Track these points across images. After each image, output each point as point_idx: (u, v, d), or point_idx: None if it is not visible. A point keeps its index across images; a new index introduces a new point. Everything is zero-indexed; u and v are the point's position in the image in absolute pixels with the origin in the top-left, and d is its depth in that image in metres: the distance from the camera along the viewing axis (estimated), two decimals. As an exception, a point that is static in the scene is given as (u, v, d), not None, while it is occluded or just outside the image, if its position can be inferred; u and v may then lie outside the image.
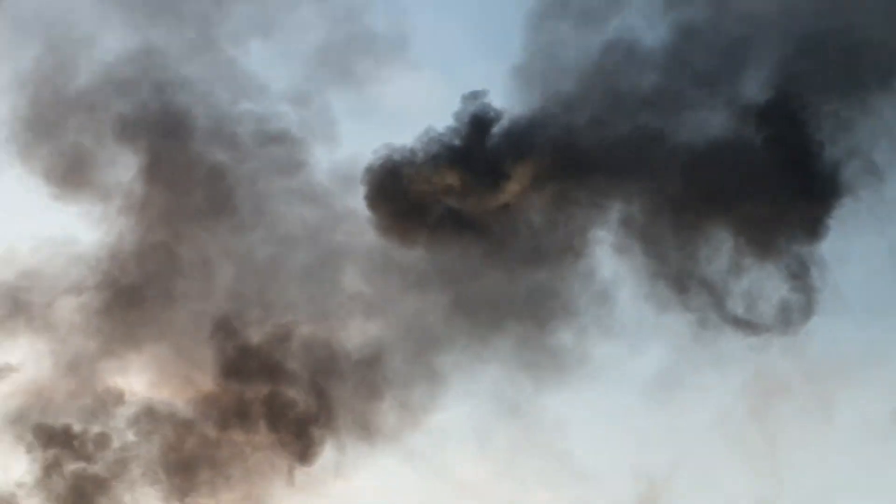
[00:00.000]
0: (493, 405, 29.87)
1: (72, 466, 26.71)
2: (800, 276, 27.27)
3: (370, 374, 28.31)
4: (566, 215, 29.12)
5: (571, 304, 29.29)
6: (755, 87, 28.42)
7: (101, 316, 27.11)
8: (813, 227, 27.36)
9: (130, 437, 26.94)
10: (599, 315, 29.23)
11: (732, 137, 27.98)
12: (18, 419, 26.67)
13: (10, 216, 31.00)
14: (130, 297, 27.14)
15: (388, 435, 28.62)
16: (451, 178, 28.59)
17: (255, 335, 27.16)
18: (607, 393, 31.89)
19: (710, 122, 28.31)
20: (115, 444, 26.75)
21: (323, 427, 27.80)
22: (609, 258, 29.20)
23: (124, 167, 27.91)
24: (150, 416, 26.95)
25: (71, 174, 27.71)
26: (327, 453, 27.98)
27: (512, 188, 28.63)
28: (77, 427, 26.69)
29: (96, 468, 26.70)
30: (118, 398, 26.98)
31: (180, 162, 27.82)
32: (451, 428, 29.89)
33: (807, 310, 27.48)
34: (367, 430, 28.25)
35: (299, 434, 27.70)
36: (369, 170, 28.88)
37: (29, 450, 26.84)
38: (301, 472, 27.97)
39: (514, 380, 29.29)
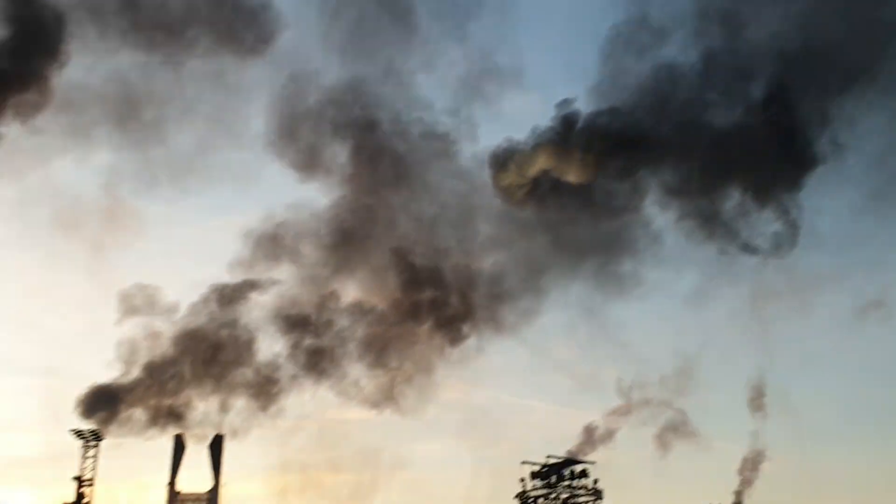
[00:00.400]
0: (577, 310, 41.60)
1: (308, 342, 39.47)
2: (787, 217, 37.75)
3: (497, 288, 40.33)
4: (629, 181, 40.39)
5: (632, 243, 40.67)
6: (758, 89, 38.91)
7: (328, 250, 40.00)
8: (796, 184, 37.73)
9: (345, 323, 39.90)
10: (652, 250, 40.48)
11: (742, 124, 38.40)
12: (278, 313, 40.23)
13: (271, 192, 44.58)
14: (346, 238, 39.79)
15: (509, 328, 40.67)
16: (550, 159, 40.31)
17: (423, 261, 39.81)
18: (656, 303, 43.54)
19: (727, 115, 38.84)
20: (336, 327, 39.61)
21: (467, 322, 39.98)
22: (658, 211, 40.62)
23: (340, 155, 40.48)
24: (358, 311, 39.88)
25: (307, 163, 40.81)
26: (470, 340, 40.21)
27: (591, 164, 40.11)
28: (313, 317, 39.97)
29: (324, 343, 39.63)
30: (337, 299, 40.02)
31: (374, 151, 40.50)
32: (550, 324, 41.91)
33: (792, 240, 37.88)
34: (495, 325, 40.40)
35: (451, 326, 39.89)
36: (494, 155, 41.05)
37: (283, 333, 40.01)
38: (452, 352, 40.37)
39: (591, 294, 40.89)
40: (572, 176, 40.05)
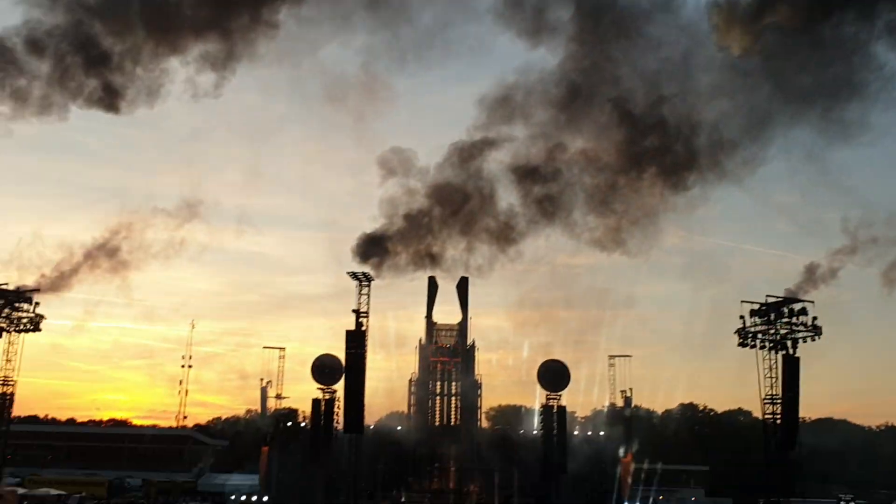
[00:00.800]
0: (800, 156, 41.80)
1: (540, 191, 43.22)
2: None
3: (719, 136, 41.32)
4: (858, 22, 39.05)
5: (861, 86, 39.42)
6: None
7: (556, 107, 42.93)
8: None
9: (574, 173, 43.10)
10: (882, 93, 39.30)
11: None
12: (513, 167, 44.29)
13: (502, 60, 47.62)
14: (573, 94, 42.34)
15: (731, 175, 41.85)
16: (774, 5, 39.83)
17: (646, 112, 41.57)
18: (885, 147, 42.26)
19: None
20: (565, 177, 42.99)
21: (690, 170, 41.54)
22: (891, 51, 39.01)
23: (564, 16, 42.76)
24: (584, 161, 43.07)
25: (533, 28, 43.27)
26: (693, 187, 41.72)
27: (818, 6, 39.12)
28: (543, 168, 43.62)
29: (554, 191, 43.23)
30: (566, 151, 43.31)
31: (595, 10, 42.39)
32: (772, 171, 42.58)
33: None
34: (718, 172, 41.65)
35: (674, 174, 41.70)
36: (716, 6, 41.27)
37: (518, 184, 44.07)
38: (675, 199, 42.43)
39: (815, 140, 40.72)
40: (798, 21, 39.50)
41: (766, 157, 41.04)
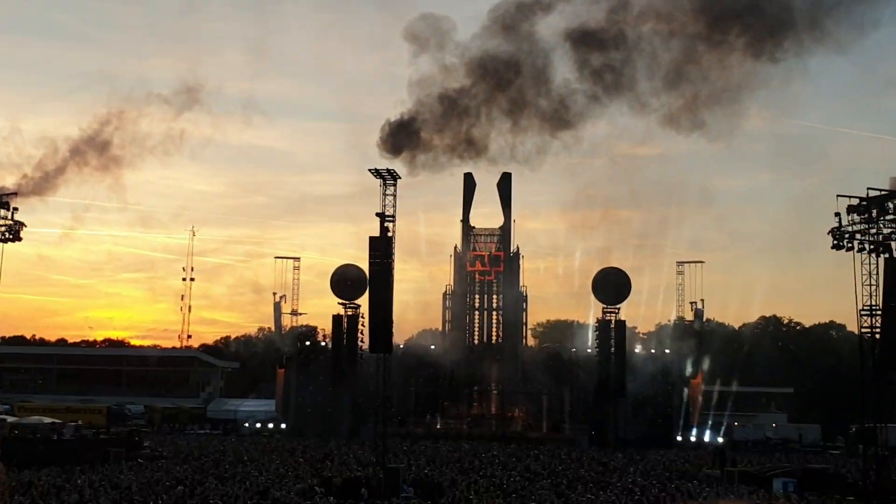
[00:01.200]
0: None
1: (596, 59, 40.99)
2: None
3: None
4: None
5: None
6: None
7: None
8: None
9: (641, 37, 40.60)
10: None
11: None
12: (568, 32, 42.25)
13: None
14: None
15: (833, 41, 39.07)
16: None
17: None
18: None
19: None
20: (631, 42, 40.11)
21: (782, 35, 38.84)
22: None
23: None
24: (653, 22, 40.39)
25: None
26: (785, 57, 39.55)
27: None
28: (603, 33, 41.20)
29: (615, 59, 41.02)
30: (630, 9, 40.89)
31: None
32: (880, 39, 40.39)
33: None
34: (817, 38, 38.98)
35: (763, 39, 39.03)
36: None
37: (574, 52, 41.99)
38: (763, 72, 40.32)
39: None
40: None
41: (877, 19, 38.59)
